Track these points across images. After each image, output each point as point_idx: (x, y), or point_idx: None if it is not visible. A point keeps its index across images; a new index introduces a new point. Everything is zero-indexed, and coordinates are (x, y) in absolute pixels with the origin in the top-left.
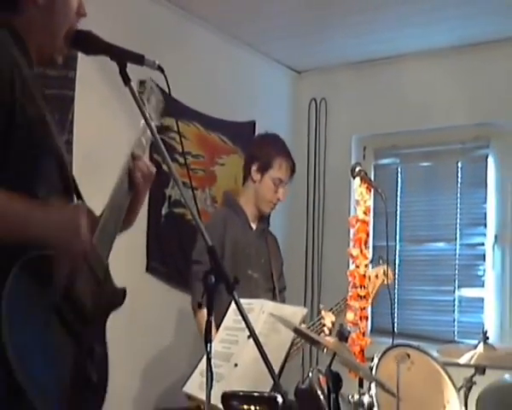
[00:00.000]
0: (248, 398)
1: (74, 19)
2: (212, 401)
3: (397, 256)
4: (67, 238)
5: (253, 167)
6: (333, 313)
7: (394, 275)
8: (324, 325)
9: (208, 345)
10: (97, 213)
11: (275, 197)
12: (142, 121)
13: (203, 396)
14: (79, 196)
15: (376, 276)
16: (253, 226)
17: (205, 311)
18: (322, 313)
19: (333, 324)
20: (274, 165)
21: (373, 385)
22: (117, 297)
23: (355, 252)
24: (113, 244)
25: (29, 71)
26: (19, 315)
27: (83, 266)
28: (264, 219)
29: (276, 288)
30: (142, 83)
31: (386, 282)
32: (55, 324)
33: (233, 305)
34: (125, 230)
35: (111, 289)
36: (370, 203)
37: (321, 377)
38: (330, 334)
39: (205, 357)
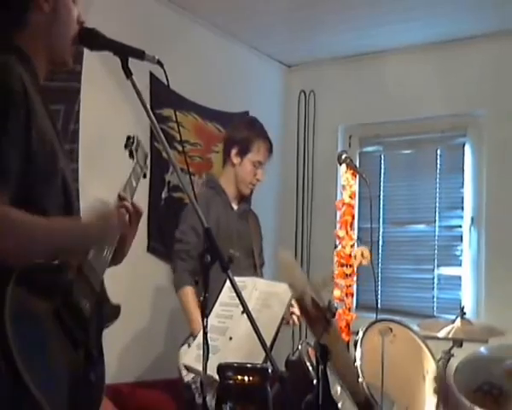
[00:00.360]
0: (242, 369)
1: (76, 26)
2: (208, 372)
3: (380, 237)
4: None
5: (233, 151)
6: None
7: (371, 255)
8: (293, 313)
9: (205, 320)
10: (103, 195)
11: (254, 179)
12: (133, 165)
13: (200, 367)
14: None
15: (354, 257)
16: (235, 207)
17: (188, 289)
18: (293, 301)
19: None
20: (253, 148)
21: (358, 357)
22: (112, 311)
23: (341, 233)
24: (106, 268)
25: (35, 91)
26: (22, 322)
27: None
28: (245, 200)
29: (257, 265)
30: (128, 138)
31: (363, 263)
32: (56, 328)
33: (228, 283)
34: (114, 264)
35: (107, 303)
36: (355, 188)
37: (310, 349)
38: (299, 321)
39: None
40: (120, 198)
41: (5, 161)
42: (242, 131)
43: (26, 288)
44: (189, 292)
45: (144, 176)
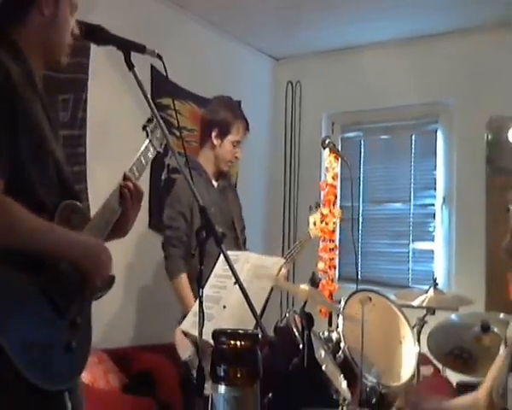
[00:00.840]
0: (235, 334)
1: (70, 36)
2: (203, 337)
3: (360, 215)
4: (90, 267)
5: (213, 134)
6: (289, 258)
7: (342, 213)
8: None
9: (200, 290)
10: (108, 176)
11: (233, 158)
12: (144, 144)
13: (196, 333)
14: (76, 196)
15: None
16: (215, 184)
17: (184, 276)
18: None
19: (285, 276)
20: (232, 130)
21: (340, 323)
22: (103, 283)
23: (325, 211)
24: (103, 238)
25: (27, 82)
26: (3, 297)
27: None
28: (224, 176)
29: (240, 238)
30: (149, 119)
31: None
32: (40, 301)
33: (222, 256)
34: (117, 238)
35: None
36: (338, 170)
37: (296, 316)
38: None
39: (198, 301)
40: (125, 178)
41: None
42: (221, 114)
43: (13, 262)
44: (185, 280)
45: (158, 153)
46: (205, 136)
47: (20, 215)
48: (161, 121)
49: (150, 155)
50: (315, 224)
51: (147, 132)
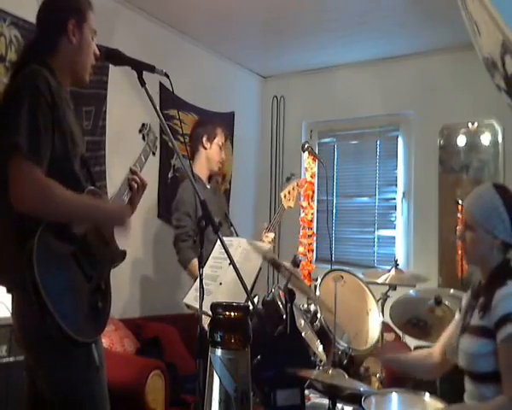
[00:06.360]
0: (229, 307)
1: (93, 57)
2: (203, 309)
3: (334, 207)
4: (118, 223)
5: (204, 139)
6: (271, 229)
7: (304, 184)
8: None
9: (200, 270)
10: (123, 175)
11: (220, 158)
12: (143, 145)
13: (197, 305)
14: (92, 177)
15: (292, 189)
16: (208, 186)
17: (194, 261)
18: (263, 234)
19: (273, 239)
20: (218, 134)
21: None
22: (118, 255)
23: (304, 204)
24: None
25: (59, 93)
26: (46, 262)
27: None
28: (213, 178)
29: (233, 225)
30: (143, 125)
31: (299, 191)
32: (73, 266)
33: (218, 241)
34: None
35: (115, 249)
36: (315, 170)
37: (280, 292)
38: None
39: (198, 278)
40: (132, 172)
41: (40, 146)
42: (208, 124)
43: (52, 235)
44: (196, 263)
45: (153, 154)
46: (197, 143)
47: (60, 190)
48: (168, 129)
49: (147, 154)
50: (285, 196)
51: (143, 136)
